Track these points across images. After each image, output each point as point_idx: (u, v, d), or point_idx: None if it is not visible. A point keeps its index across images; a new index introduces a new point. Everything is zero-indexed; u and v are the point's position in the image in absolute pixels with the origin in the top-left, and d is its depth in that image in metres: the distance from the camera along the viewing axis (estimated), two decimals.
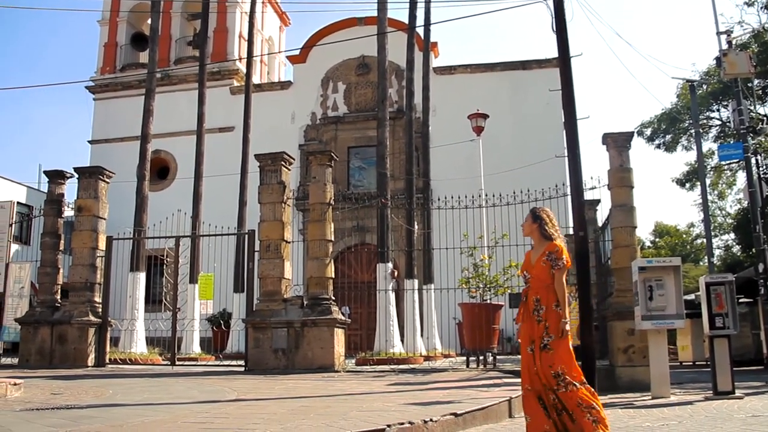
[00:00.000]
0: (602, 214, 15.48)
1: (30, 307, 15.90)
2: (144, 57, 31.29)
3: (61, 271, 15.70)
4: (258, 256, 13.76)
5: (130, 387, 9.92)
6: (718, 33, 17.88)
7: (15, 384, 8.70)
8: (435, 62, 28.27)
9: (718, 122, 31.78)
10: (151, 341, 17.40)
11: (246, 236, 14.85)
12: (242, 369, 13.26)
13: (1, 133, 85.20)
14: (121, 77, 32.33)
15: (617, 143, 12.29)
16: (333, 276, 13.56)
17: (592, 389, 5.37)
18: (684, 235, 53.11)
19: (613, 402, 9.39)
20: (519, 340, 5.76)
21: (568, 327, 5.32)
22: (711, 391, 9.87)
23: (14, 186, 30.24)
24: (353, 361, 14.82)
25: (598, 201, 15.87)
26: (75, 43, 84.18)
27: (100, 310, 14.90)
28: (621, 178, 12.19)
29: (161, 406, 7.38)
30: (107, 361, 14.83)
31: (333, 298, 13.37)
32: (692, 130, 27.04)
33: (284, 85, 31.55)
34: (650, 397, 9.67)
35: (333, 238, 13.73)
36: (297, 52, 31.11)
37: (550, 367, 5.25)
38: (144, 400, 8.05)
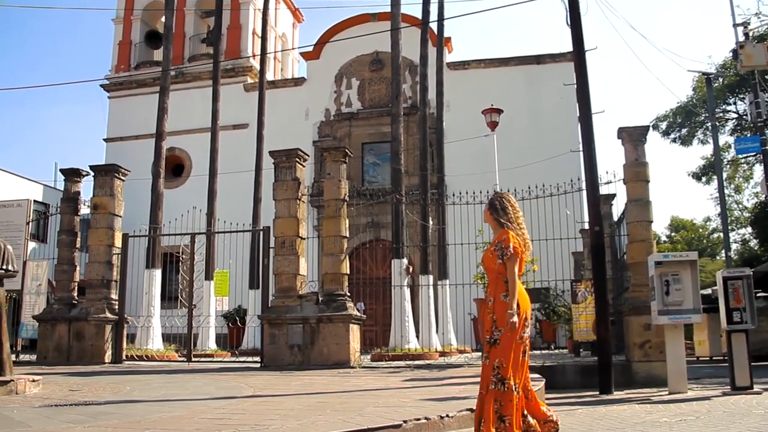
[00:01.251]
0: (618, 208, 15.40)
1: (47, 304, 16.03)
2: (158, 55, 31.35)
3: (77, 268, 15.80)
4: (273, 253, 13.78)
5: (147, 383, 9.98)
6: (735, 25, 17.76)
7: (34, 380, 8.78)
8: (448, 57, 28.19)
9: (735, 115, 31.58)
10: (167, 338, 17.47)
11: (261, 233, 14.88)
12: (258, 365, 13.30)
13: (17, 131, 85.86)
14: (136, 75, 32.43)
15: (633, 137, 12.21)
16: (348, 272, 13.56)
17: (527, 397, 5.15)
18: (700, 230, 52.81)
19: (630, 397, 9.36)
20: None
21: (515, 319, 4.97)
22: (729, 387, 9.80)
23: (31, 184, 30.45)
24: (369, 357, 14.83)
25: (613, 195, 15.79)
26: (90, 41, 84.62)
27: (116, 307, 14.99)
28: (636, 173, 12.12)
29: (178, 403, 7.42)
30: (124, 357, 14.92)
31: (348, 294, 13.38)
32: (708, 124, 26.93)
33: (298, 81, 31.53)
34: (667, 393, 9.62)
35: (348, 234, 13.73)
36: (310, 49, 31.06)
37: (494, 362, 5.02)
38: (161, 396, 8.09)
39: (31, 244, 20.27)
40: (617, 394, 9.75)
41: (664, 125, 33.11)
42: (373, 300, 20.17)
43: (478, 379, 9.68)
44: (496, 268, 5.17)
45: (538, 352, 19.56)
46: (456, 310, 17.44)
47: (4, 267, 8.89)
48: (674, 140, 33.07)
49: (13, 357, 9.98)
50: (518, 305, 5.04)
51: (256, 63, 29.87)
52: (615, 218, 15.97)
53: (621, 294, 14.38)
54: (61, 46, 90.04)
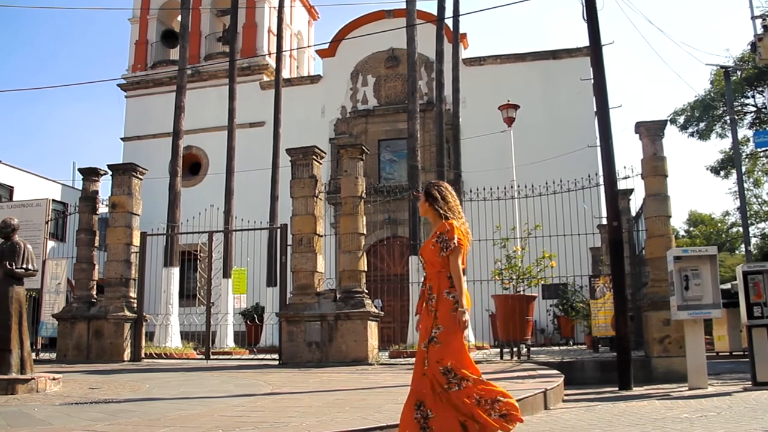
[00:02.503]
0: (636, 203, 15.31)
1: (67, 303, 16.15)
2: (174, 54, 31.52)
3: (96, 267, 15.89)
4: (290, 250, 13.80)
5: (166, 381, 10.02)
6: (753, 17, 17.59)
7: (54, 379, 8.84)
8: (464, 53, 28.14)
9: (753, 108, 31.32)
10: (185, 335, 17.56)
11: (278, 230, 14.91)
12: (276, 363, 13.33)
13: (35, 131, 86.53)
14: (152, 74, 32.60)
15: (650, 132, 12.12)
16: (366, 269, 13.56)
17: (493, 384, 4.63)
18: (719, 224, 52.41)
19: (650, 393, 9.30)
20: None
21: (466, 317, 4.60)
22: (749, 382, 9.72)
23: (49, 184, 30.69)
24: (387, 353, 14.83)
25: (631, 190, 15.69)
26: (107, 41, 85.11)
27: (135, 305, 15.06)
28: (654, 167, 12.03)
29: (197, 400, 7.45)
30: (143, 355, 15.00)
31: (366, 291, 13.38)
32: (727, 117, 26.73)
33: (314, 79, 31.58)
34: (687, 388, 9.55)
35: (365, 231, 13.73)
36: (326, 46, 31.12)
37: (438, 363, 4.52)
38: (180, 394, 8.13)
39: (50, 243, 20.42)
40: (636, 390, 9.69)
41: (681, 119, 32.89)
42: (390, 297, 20.16)
43: (497, 376, 9.67)
44: (439, 262, 4.71)
45: (557, 348, 19.50)
46: (473, 306, 17.26)
47: (24, 266, 8.95)
48: (692, 134, 32.86)
49: (34, 355, 10.05)
50: (460, 302, 4.63)
51: (272, 61, 29.98)
52: (633, 213, 15.89)
53: (639, 289, 14.30)
54: (79, 47, 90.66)
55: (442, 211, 4.83)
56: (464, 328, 4.59)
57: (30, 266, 9.05)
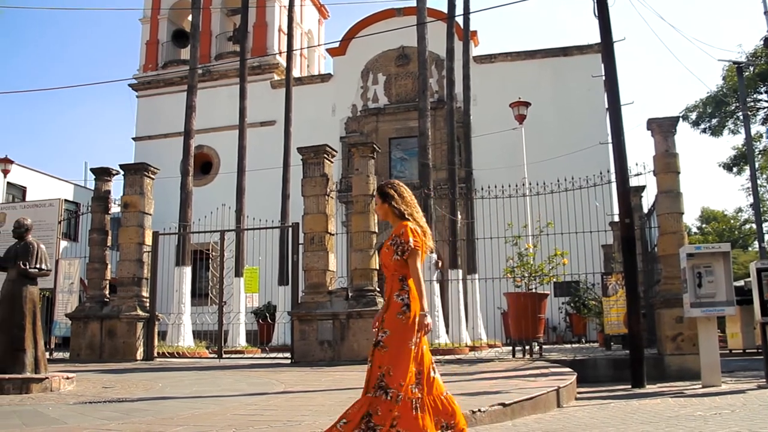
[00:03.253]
0: (648, 200, 15.25)
1: (80, 302, 16.22)
2: (185, 54, 31.58)
3: (109, 266, 15.94)
4: (302, 249, 13.81)
5: (179, 380, 10.05)
6: (766, 12, 17.48)
7: (68, 378, 8.88)
8: (475, 51, 28.08)
9: (766, 104, 31.11)
10: (197, 335, 17.59)
11: (290, 229, 14.92)
12: (288, 361, 13.34)
13: (47, 132, 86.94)
14: (163, 74, 32.69)
15: (662, 128, 12.07)
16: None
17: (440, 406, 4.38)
18: (732, 221, 52.14)
19: (663, 391, 9.27)
20: None
21: (428, 320, 4.34)
22: (764, 380, 9.66)
23: (62, 184, 30.85)
24: None
25: (643, 187, 15.62)
26: (118, 41, 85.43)
27: (147, 304, 15.11)
28: (667, 164, 11.97)
29: (210, 399, 7.47)
30: (155, 354, 15.05)
31: (378, 289, 13.37)
32: (739, 113, 26.56)
33: (324, 77, 31.61)
34: (700, 386, 9.51)
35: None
36: (336, 45, 31.16)
37: (379, 368, 4.28)
38: (193, 393, 8.15)
39: (63, 243, 20.52)
40: (650, 388, 9.66)
41: (693, 116, 32.72)
42: None
43: (510, 374, 9.66)
44: (392, 265, 4.44)
45: (569, 346, 19.47)
46: (486, 304, 17.38)
47: (38, 266, 9.00)
48: (704, 131, 32.68)
49: (47, 355, 10.10)
50: (410, 306, 4.35)
51: (282, 60, 30.03)
52: (645, 210, 15.83)
53: (652, 287, 14.24)
54: (88, 47, 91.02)
55: (401, 209, 4.55)
56: (427, 332, 4.34)
57: (43, 266, 9.09)
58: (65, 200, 18.91)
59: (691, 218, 56.41)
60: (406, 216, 4.54)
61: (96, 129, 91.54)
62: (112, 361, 14.12)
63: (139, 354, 14.67)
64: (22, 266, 8.83)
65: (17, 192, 28.09)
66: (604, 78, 11.27)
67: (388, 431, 4.17)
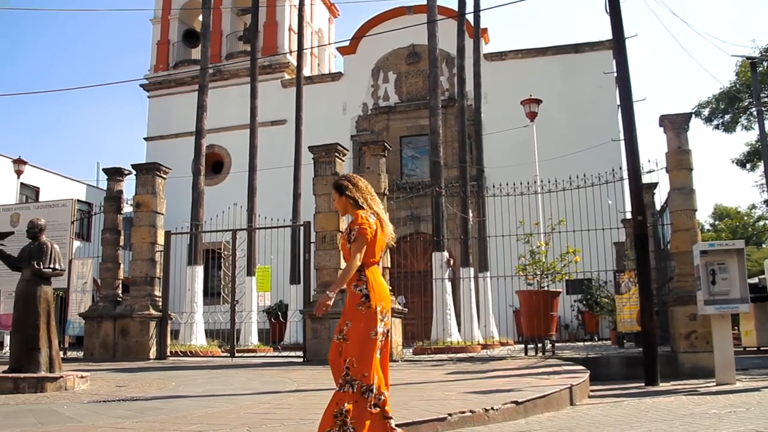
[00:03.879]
0: (660, 197, 15.18)
1: (93, 302, 16.30)
2: (196, 53, 31.64)
3: (121, 266, 16.02)
4: (314, 248, 13.83)
5: (192, 379, 10.08)
6: None
7: (82, 377, 8.93)
8: (485, 48, 28.03)
9: None
10: (210, 333, 17.64)
11: (302, 228, 14.94)
12: (300, 360, 13.36)
13: (59, 132, 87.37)
14: (174, 74, 32.76)
15: (675, 125, 12.01)
16: (389, 266, 13.56)
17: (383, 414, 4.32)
18: (745, 218, 51.85)
19: (677, 389, 9.23)
20: None
21: (329, 301, 4.27)
22: None
23: (74, 184, 30.99)
24: (410, 350, 14.82)
25: (655, 184, 15.57)
26: (129, 42, 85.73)
27: (160, 303, 15.17)
28: (679, 161, 11.91)
29: (223, 398, 7.49)
30: (168, 353, 15.10)
31: (390, 288, 13.36)
32: (753, 109, 26.40)
33: (335, 76, 31.63)
34: (715, 384, 9.46)
35: None
36: (347, 44, 31.17)
37: (345, 361, 4.29)
38: (206, 391, 8.17)
39: (76, 243, 20.62)
40: (663, 386, 9.62)
41: (706, 112, 32.50)
42: (413, 293, 20.14)
43: (522, 372, 9.64)
44: (347, 254, 4.42)
45: (581, 344, 19.41)
46: (497, 302, 17.36)
47: (52, 266, 9.05)
48: (717, 127, 32.46)
49: (61, 354, 10.15)
50: (369, 297, 4.32)
51: (293, 59, 30.06)
52: (657, 207, 15.76)
53: (665, 284, 14.19)
54: (102, 49, 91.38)
55: (355, 196, 4.52)
56: (320, 311, 4.27)
57: (57, 266, 9.14)
58: (78, 200, 19.03)
59: (704, 215, 56.22)
60: (360, 204, 4.52)
61: (107, 129, 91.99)
62: (126, 360, 14.18)
63: (152, 353, 14.73)
64: (36, 266, 8.88)
65: (30, 192, 28.24)
66: (615, 75, 11.20)
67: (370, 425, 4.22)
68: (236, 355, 15.45)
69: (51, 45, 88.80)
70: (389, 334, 4.39)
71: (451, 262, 16.96)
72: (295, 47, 27.55)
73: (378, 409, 4.30)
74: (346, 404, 4.21)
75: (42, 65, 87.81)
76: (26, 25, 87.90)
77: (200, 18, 27.22)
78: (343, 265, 13.52)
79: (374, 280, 4.40)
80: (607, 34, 12.32)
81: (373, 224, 4.45)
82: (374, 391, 4.28)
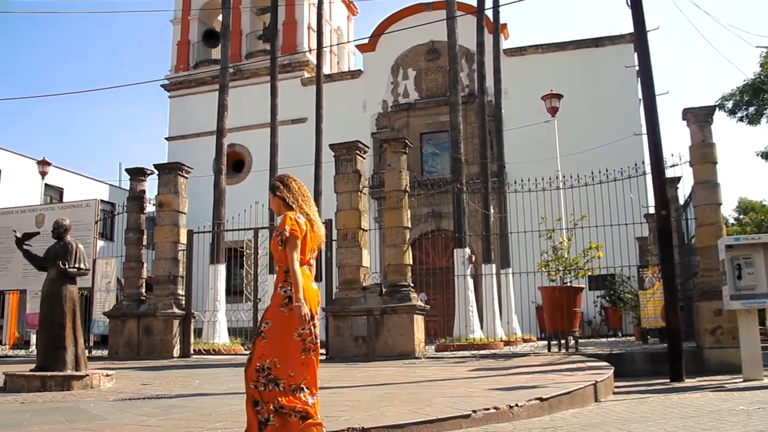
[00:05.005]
0: (683, 191, 15.05)
1: (117, 301, 16.44)
2: (216, 53, 31.76)
3: (145, 265, 16.14)
4: (336, 246, 13.85)
5: (216, 377, 10.14)
6: None
7: (107, 375, 9.01)
8: (505, 44, 27.93)
9: None
10: (233, 332, 17.71)
11: (323, 225, 14.94)
12: (323, 357, 13.38)
13: (82, 133, 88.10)
14: (195, 74, 32.94)
15: (698, 118, 11.89)
16: (411, 263, 13.55)
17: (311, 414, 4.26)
18: None
19: (703, 385, 9.13)
20: None
21: (305, 310, 4.25)
22: None
23: (97, 184, 31.32)
24: (433, 347, 14.81)
25: (678, 178, 15.42)
26: (150, 43, 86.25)
27: (183, 302, 15.27)
28: (703, 154, 11.80)
29: None
30: (192, 351, 15.19)
31: (412, 284, 13.36)
32: None
33: (354, 74, 31.65)
34: (741, 380, 9.35)
35: (410, 225, 13.71)
36: (366, 41, 31.17)
37: (259, 359, 4.28)
38: (230, 389, 8.21)
39: (100, 243, 20.78)
40: (689, 382, 9.52)
41: (730, 104, 32.10)
42: (435, 290, 20.12)
43: (546, 368, 9.60)
44: (277, 256, 4.43)
45: (604, 339, 19.31)
46: (520, 298, 17.30)
47: (77, 265, 9.14)
48: (741, 119, 32.05)
49: (87, 353, 10.24)
50: (292, 298, 4.30)
51: (312, 57, 30.12)
52: (681, 202, 15.62)
53: (689, 279, 14.06)
54: (123, 50, 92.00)
55: (284, 197, 4.54)
56: (302, 322, 4.25)
57: (82, 265, 9.23)
58: (101, 200, 19.18)
59: (728, 209, 55.56)
60: (290, 205, 4.53)
61: (129, 130, 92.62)
62: (150, 359, 14.29)
63: (176, 351, 14.83)
64: (62, 266, 8.97)
65: (54, 193, 28.55)
66: (637, 68, 11.11)
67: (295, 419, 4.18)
68: None
69: (57, 46, 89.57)
70: (316, 335, 4.37)
71: (473, 258, 16.91)
72: (314, 45, 27.59)
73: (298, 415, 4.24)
74: (278, 399, 4.20)
75: (60, 66, 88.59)
76: (40, 26, 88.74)
77: (220, 18, 27.35)
78: (365, 263, 13.61)
79: (304, 283, 4.36)
80: (627, 28, 12.25)
81: (303, 225, 4.45)
82: (305, 390, 4.28)
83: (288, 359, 4.26)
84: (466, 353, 13.35)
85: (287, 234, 4.34)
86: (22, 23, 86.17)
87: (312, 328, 4.33)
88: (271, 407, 4.20)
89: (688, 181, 12.87)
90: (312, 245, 4.52)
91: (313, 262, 4.62)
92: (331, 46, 33.67)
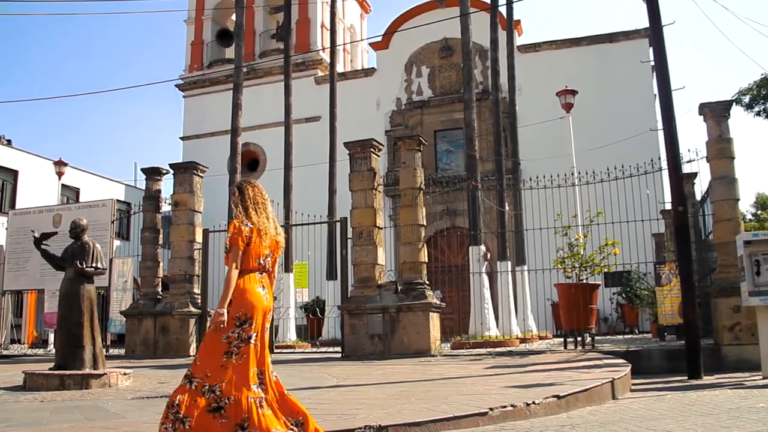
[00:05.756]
0: (700, 187, 14.96)
1: (133, 300, 16.52)
2: (230, 53, 31.91)
3: (161, 264, 16.21)
4: (351, 243, 13.86)
5: None
6: None
7: (125, 374, 9.07)
8: (519, 40, 27.87)
9: None
10: None
11: (338, 224, 14.98)
12: (339, 355, 13.40)
13: (98, 134, 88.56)
14: (209, 74, 33.07)
15: (715, 113, 11.80)
16: (426, 260, 13.53)
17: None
18: None
19: (721, 382, 9.07)
20: None
21: (223, 317, 4.29)
22: None
23: (113, 184, 31.48)
24: (448, 345, 14.79)
25: (695, 174, 15.34)
26: (163, 43, 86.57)
27: (199, 301, 15.32)
28: (721, 149, 11.71)
29: None
30: None
31: (427, 282, 13.34)
32: None
33: (368, 72, 31.66)
34: (761, 377, 9.28)
35: (425, 223, 13.70)
36: (379, 39, 31.15)
37: (194, 362, 4.44)
38: None
39: (116, 242, 20.91)
40: (707, 379, 9.46)
41: (747, 98, 31.88)
42: (450, 288, 20.09)
43: (562, 366, 9.56)
44: (225, 261, 4.52)
45: (621, 337, 19.23)
46: (535, 296, 17.27)
47: (94, 265, 9.19)
48: (758, 114, 31.82)
49: (104, 351, 10.30)
50: (230, 303, 4.38)
51: (326, 56, 30.13)
52: (697, 198, 15.53)
53: (706, 275, 13.98)
54: (138, 50, 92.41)
55: (237, 206, 4.63)
56: (217, 328, 4.31)
57: (99, 265, 9.28)
58: (117, 200, 19.27)
59: (745, 204, 55.08)
60: (239, 212, 4.60)
61: (144, 129, 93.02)
62: (166, 357, 14.35)
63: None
64: (79, 265, 9.03)
65: (71, 193, 28.73)
66: (652, 63, 11.04)
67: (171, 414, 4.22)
68: (275, 351, 15.52)
69: (70, 46, 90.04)
70: (257, 338, 4.46)
71: (488, 255, 16.88)
72: (327, 44, 27.59)
73: (220, 414, 4.26)
74: (179, 397, 4.27)
75: (74, 65, 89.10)
76: (53, 26, 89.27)
77: (233, 17, 27.40)
78: (380, 261, 13.61)
79: (241, 287, 4.43)
80: (642, 22, 12.17)
81: (246, 232, 4.48)
82: (216, 392, 4.27)
83: (209, 359, 4.35)
84: (482, 351, 13.32)
85: (227, 241, 4.46)
86: (34, 24, 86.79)
87: (241, 332, 4.37)
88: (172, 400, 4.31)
89: (705, 176, 12.78)
90: (260, 251, 4.54)
91: (269, 267, 4.66)
92: (344, 44, 33.70)
